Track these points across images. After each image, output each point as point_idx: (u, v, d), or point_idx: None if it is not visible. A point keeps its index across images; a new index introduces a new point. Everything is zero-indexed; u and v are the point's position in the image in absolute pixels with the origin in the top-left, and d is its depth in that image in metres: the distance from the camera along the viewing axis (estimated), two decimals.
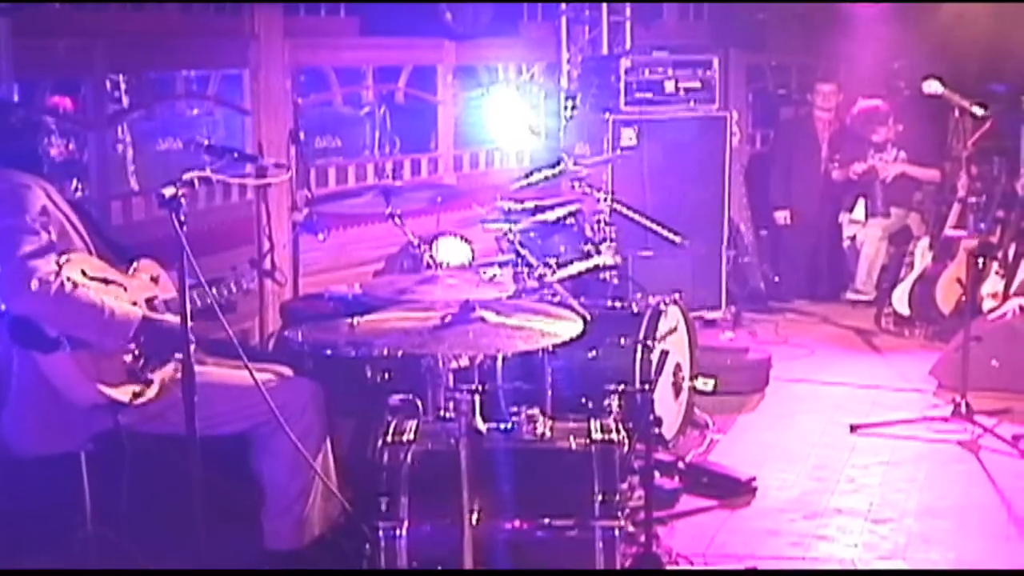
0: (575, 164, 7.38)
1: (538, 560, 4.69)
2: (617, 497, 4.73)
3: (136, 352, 4.78)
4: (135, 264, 5.07)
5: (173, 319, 4.80)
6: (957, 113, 7.33)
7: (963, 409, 7.32)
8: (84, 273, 4.72)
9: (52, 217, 4.76)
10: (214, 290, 5.16)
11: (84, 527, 4.92)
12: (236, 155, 5.57)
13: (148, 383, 4.83)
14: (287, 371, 5.46)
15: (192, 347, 4.35)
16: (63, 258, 4.68)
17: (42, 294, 4.49)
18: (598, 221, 7.33)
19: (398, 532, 4.65)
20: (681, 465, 6.48)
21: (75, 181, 6.91)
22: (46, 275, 4.52)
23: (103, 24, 6.93)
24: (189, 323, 4.33)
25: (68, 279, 4.57)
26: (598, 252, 7.17)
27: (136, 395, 4.77)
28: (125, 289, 4.89)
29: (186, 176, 4.41)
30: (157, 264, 5.11)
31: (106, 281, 4.81)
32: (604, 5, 10.50)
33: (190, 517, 4.37)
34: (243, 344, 4.87)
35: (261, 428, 5.09)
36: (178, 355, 4.55)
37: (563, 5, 10.41)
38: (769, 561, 5.59)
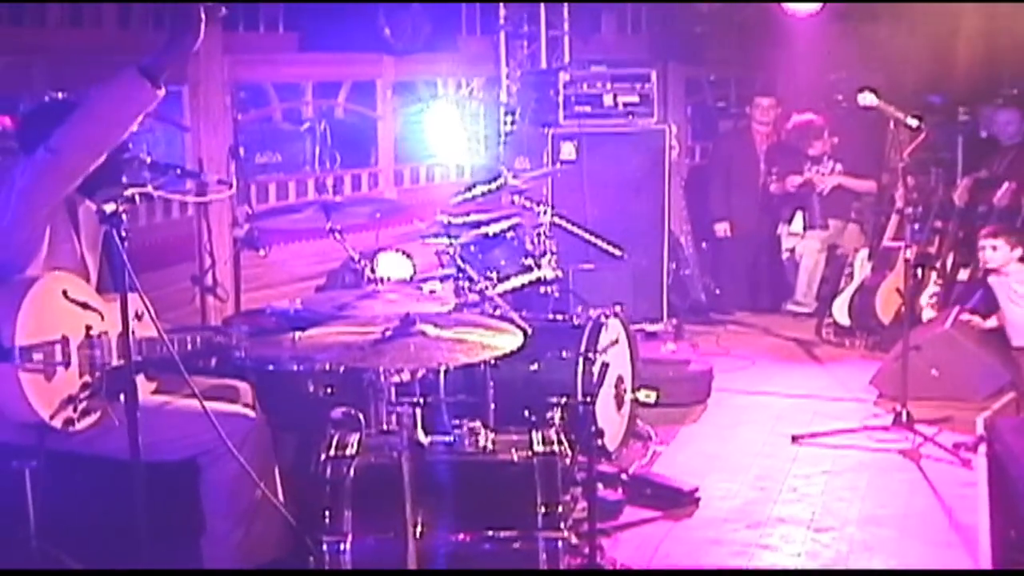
0: (515, 178, 7.39)
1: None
2: (560, 508, 4.72)
3: (87, 381, 4.72)
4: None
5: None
6: (893, 125, 7.38)
7: (904, 418, 7.35)
8: (65, 293, 4.66)
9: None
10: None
11: (28, 543, 4.88)
12: (179, 171, 5.54)
13: (87, 413, 4.75)
14: (243, 386, 5.46)
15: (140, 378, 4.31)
16: (56, 273, 4.65)
17: None
18: (538, 235, 7.34)
19: (342, 546, 4.63)
20: (624, 477, 6.49)
21: None
22: None
23: (42, 41, 6.91)
24: (134, 354, 4.29)
25: None
26: (538, 266, 7.19)
27: (68, 422, 4.68)
28: (102, 317, 4.80)
29: (127, 192, 4.37)
30: (142, 302, 5.02)
31: (85, 305, 4.73)
32: (542, 20, 10.56)
33: (134, 537, 4.34)
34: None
35: (201, 457, 5.04)
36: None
37: (501, 19, 10.45)
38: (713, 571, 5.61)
